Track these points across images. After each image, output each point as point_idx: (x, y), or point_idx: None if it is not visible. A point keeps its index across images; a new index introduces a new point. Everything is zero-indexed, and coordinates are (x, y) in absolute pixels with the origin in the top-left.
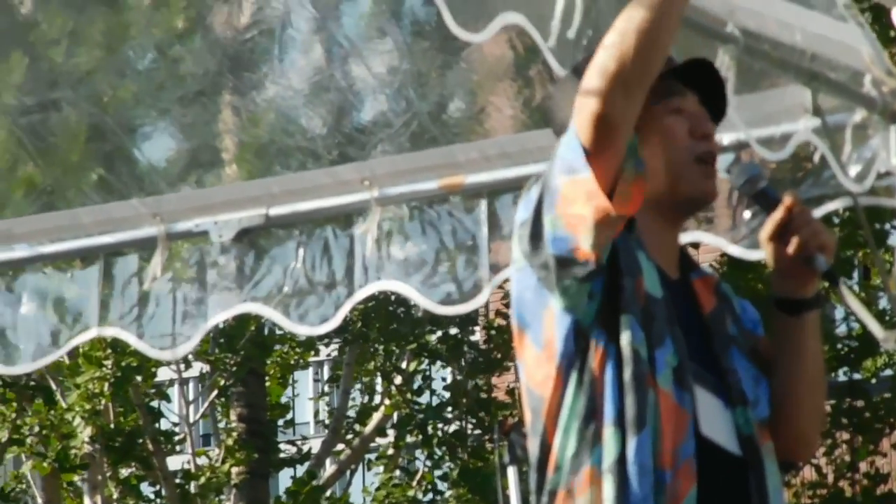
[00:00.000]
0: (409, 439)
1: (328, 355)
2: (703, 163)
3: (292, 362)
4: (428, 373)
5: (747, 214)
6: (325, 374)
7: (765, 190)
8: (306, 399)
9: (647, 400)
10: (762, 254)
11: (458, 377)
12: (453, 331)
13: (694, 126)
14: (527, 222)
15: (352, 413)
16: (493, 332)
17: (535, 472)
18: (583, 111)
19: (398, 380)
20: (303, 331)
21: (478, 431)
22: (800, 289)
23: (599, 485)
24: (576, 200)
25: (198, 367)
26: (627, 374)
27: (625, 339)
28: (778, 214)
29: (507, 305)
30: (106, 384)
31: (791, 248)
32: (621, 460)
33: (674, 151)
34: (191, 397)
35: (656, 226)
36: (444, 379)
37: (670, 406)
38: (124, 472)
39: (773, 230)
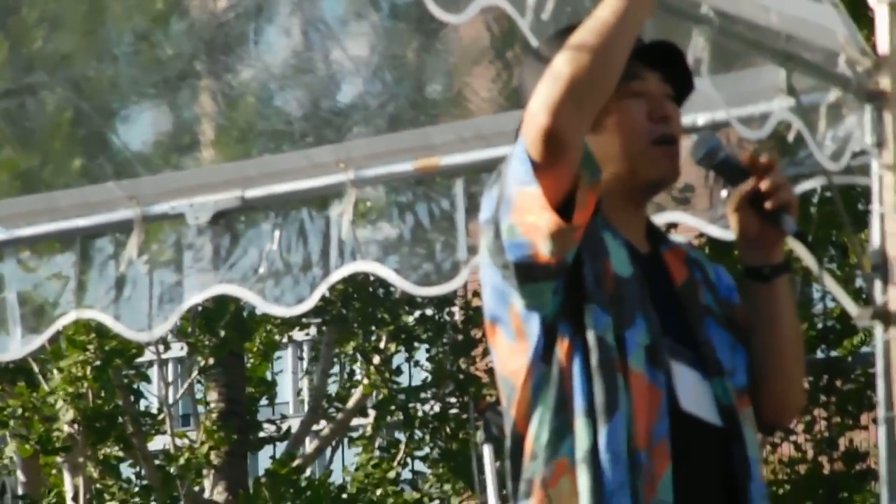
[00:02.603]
0: (389, 419)
1: (306, 334)
2: (662, 144)
3: (276, 339)
4: (408, 354)
5: (724, 194)
6: (306, 353)
7: (726, 160)
8: (285, 377)
9: (617, 385)
10: None
11: (438, 358)
12: (430, 312)
13: (653, 109)
14: (490, 221)
15: (331, 392)
16: (471, 312)
17: (509, 459)
18: (531, 126)
19: (377, 360)
20: (278, 312)
21: (456, 412)
22: (768, 255)
23: (573, 475)
24: (529, 210)
25: (177, 349)
26: (594, 362)
27: (589, 328)
28: (747, 186)
29: None
30: (89, 368)
31: (764, 186)
32: (594, 450)
33: (631, 135)
34: (170, 378)
35: (621, 205)
36: (427, 353)
37: (643, 387)
38: (104, 452)
39: (740, 199)
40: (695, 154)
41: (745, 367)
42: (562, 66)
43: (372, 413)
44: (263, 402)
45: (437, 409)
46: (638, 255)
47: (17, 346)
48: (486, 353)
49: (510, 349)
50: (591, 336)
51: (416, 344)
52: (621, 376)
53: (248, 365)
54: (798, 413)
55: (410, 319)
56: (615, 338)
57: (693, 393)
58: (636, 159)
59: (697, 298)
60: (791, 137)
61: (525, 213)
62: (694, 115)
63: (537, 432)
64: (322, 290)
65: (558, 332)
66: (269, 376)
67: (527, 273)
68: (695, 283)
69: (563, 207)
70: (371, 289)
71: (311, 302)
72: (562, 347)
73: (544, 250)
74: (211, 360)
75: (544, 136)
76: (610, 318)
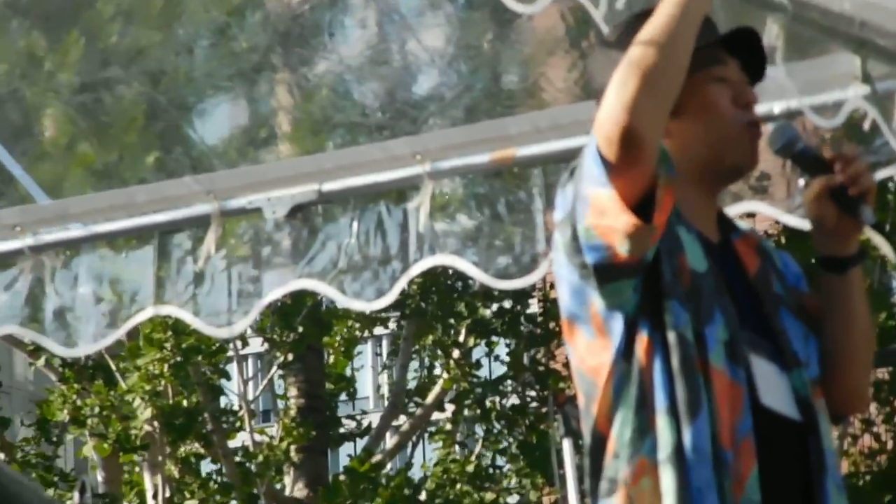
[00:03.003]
0: (468, 413)
1: (386, 328)
2: (747, 129)
3: (357, 335)
4: (486, 346)
5: (801, 183)
6: (385, 348)
7: (804, 150)
8: (366, 373)
9: (699, 384)
10: None
11: (517, 350)
12: (508, 304)
13: (737, 95)
14: (565, 221)
15: (411, 387)
16: (549, 304)
17: (588, 457)
18: (606, 127)
19: (456, 353)
20: (358, 306)
21: (535, 405)
22: (843, 245)
23: (655, 475)
24: (605, 212)
25: (255, 344)
26: (675, 361)
27: (669, 325)
28: (838, 178)
29: None
30: (166, 365)
31: (846, 174)
32: (679, 449)
33: (718, 121)
34: (249, 374)
35: (696, 194)
36: (507, 347)
37: (725, 384)
38: (184, 450)
39: (819, 189)
40: (772, 144)
41: (819, 358)
42: (633, 63)
43: (450, 407)
44: (343, 397)
45: (515, 401)
46: (711, 245)
47: (89, 342)
48: (562, 343)
49: (589, 346)
50: (671, 333)
51: (494, 337)
52: (702, 374)
53: (329, 361)
54: (867, 403)
55: (488, 313)
56: (694, 334)
57: (772, 387)
58: (724, 144)
59: (771, 288)
60: (866, 126)
61: (601, 216)
62: (769, 104)
63: (620, 430)
64: (402, 283)
65: (637, 328)
66: (348, 372)
67: (606, 274)
68: (767, 272)
69: (641, 206)
70: (449, 282)
71: (391, 296)
72: (641, 344)
73: (622, 250)
74: (290, 356)
75: (621, 135)
76: (688, 314)
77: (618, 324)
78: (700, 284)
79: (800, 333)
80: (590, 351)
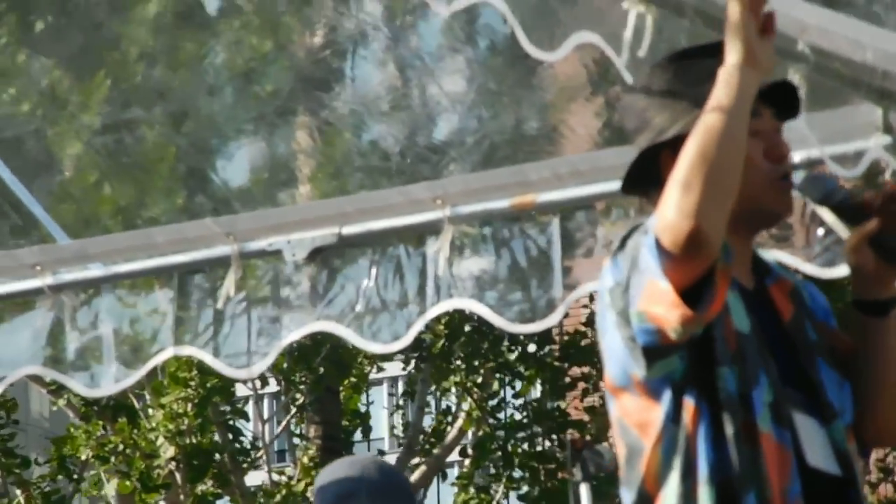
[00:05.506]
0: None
1: (403, 369)
2: (780, 182)
3: (366, 371)
4: (507, 390)
5: (820, 232)
6: (399, 389)
7: (845, 199)
8: (381, 414)
9: (752, 453)
10: (836, 272)
11: (541, 397)
12: (531, 348)
13: (770, 147)
14: (617, 290)
15: (427, 429)
16: (571, 350)
17: None
18: (669, 230)
19: (476, 395)
20: (375, 349)
21: (554, 450)
22: (883, 290)
23: None
24: (658, 303)
25: (273, 384)
26: (729, 430)
27: (721, 391)
28: (870, 226)
29: (585, 324)
30: (189, 404)
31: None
32: None
33: (750, 175)
34: (266, 415)
35: (733, 242)
36: (531, 398)
37: (773, 447)
38: (201, 489)
39: (860, 238)
40: (811, 194)
41: (851, 403)
42: (693, 166)
43: (471, 452)
44: (359, 437)
45: (537, 447)
46: (748, 296)
47: (111, 382)
48: (585, 392)
49: (636, 404)
50: (723, 401)
51: (517, 381)
52: (752, 440)
53: (341, 397)
54: None
55: (513, 357)
56: (741, 398)
57: (815, 445)
58: (756, 196)
59: (805, 335)
60: (887, 176)
61: (654, 304)
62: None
63: (667, 495)
64: (418, 327)
65: (684, 395)
66: (362, 409)
67: (655, 354)
68: (801, 318)
69: (695, 289)
70: (474, 324)
71: (407, 339)
72: (688, 412)
73: (672, 335)
74: (307, 397)
75: (687, 239)
76: (736, 378)
77: (665, 390)
78: (745, 346)
79: (835, 381)
80: (637, 408)
